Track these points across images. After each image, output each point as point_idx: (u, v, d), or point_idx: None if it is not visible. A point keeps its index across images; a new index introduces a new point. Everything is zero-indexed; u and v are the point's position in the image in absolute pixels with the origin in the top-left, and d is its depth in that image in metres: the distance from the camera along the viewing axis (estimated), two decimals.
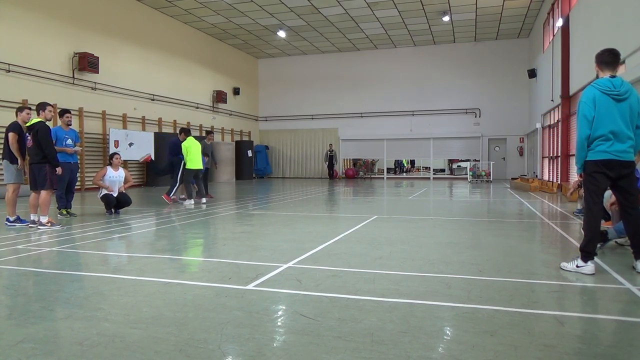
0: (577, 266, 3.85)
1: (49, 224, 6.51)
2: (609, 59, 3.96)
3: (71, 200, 7.98)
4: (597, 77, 4.03)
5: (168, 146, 10.84)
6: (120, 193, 8.26)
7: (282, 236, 5.84)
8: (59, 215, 7.68)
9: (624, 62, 9.05)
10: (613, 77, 3.92)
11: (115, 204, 8.16)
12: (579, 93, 13.14)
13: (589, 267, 3.81)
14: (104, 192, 8.12)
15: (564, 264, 4.02)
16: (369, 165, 26.75)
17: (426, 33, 21.22)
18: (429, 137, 23.43)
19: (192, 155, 10.01)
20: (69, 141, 7.76)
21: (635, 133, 3.87)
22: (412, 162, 35.44)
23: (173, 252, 4.95)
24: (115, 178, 8.27)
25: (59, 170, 6.75)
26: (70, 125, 7.99)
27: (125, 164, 16.30)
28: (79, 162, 9.65)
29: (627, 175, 3.86)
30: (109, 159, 8.47)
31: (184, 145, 10.05)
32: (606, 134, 3.80)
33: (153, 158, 10.10)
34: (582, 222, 6.84)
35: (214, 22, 19.35)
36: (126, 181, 8.43)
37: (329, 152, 23.58)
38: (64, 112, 7.99)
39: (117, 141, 15.22)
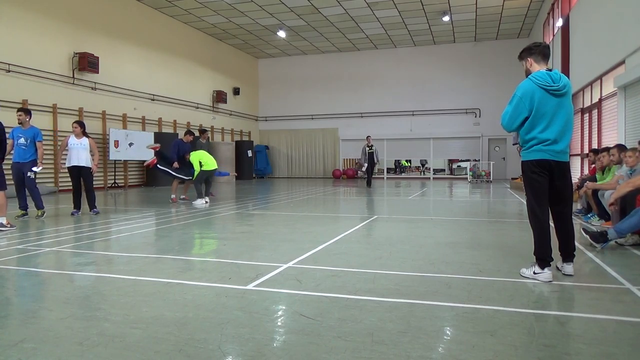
0: (534, 273, 3.62)
1: (9, 225, 6.40)
2: (547, 51, 3.67)
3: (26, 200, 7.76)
4: (528, 70, 3.72)
5: (175, 147, 10.74)
6: (83, 169, 8.01)
7: (282, 236, 5.84)
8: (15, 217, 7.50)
9: (623, 62, 9.05)
10: (550, 70, 3.61)
11: (77, 179, 7.98)
12: (579, 93, 13.13)
13: (546, 274, 3.56)
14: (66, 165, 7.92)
15: (523, 270, 3.78)
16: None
17: (426, 33, 21.22)
18: (429, 137, 23.43)
19: (206, 160, 10.41)
20: (22, 140, 7.46)
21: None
22: (409, 162, 35.22)
23: (173, 252, 4.95)
24: (78, 146, 7.99)
25: None
26: (22, 124, 7.59)
27: (125, 164, 16.34)
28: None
29: (562, 178, 3.64)
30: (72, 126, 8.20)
31: (194, 158, 10.31)
32: (545, 134, 3.52)
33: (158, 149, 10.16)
34: (580, 222, 6.88)
35: (214, 22, 19.35)
36: (92, 151, 8.07)
37: (367, 149, 15.92)
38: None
39: (117, 141, 15.22)
